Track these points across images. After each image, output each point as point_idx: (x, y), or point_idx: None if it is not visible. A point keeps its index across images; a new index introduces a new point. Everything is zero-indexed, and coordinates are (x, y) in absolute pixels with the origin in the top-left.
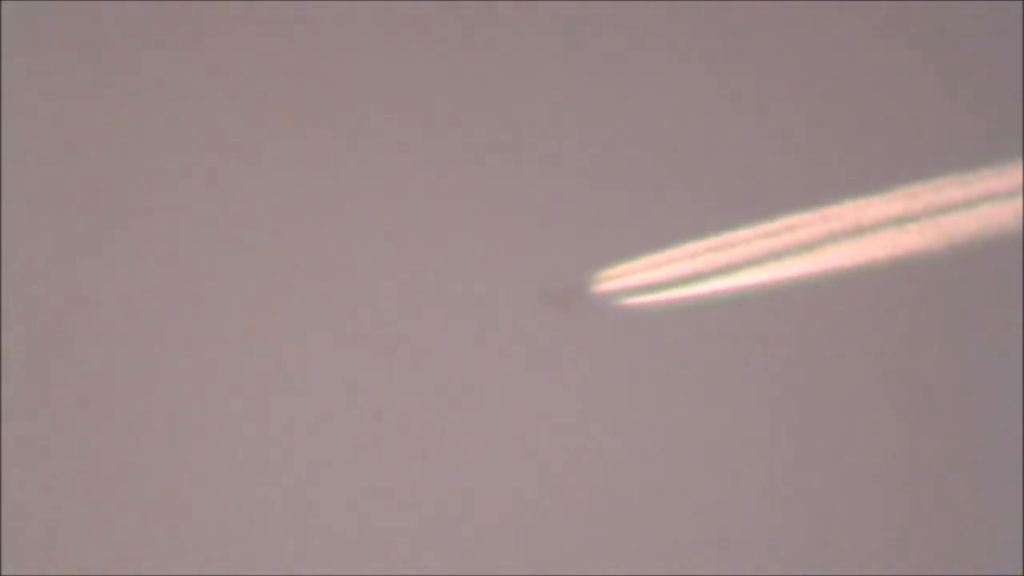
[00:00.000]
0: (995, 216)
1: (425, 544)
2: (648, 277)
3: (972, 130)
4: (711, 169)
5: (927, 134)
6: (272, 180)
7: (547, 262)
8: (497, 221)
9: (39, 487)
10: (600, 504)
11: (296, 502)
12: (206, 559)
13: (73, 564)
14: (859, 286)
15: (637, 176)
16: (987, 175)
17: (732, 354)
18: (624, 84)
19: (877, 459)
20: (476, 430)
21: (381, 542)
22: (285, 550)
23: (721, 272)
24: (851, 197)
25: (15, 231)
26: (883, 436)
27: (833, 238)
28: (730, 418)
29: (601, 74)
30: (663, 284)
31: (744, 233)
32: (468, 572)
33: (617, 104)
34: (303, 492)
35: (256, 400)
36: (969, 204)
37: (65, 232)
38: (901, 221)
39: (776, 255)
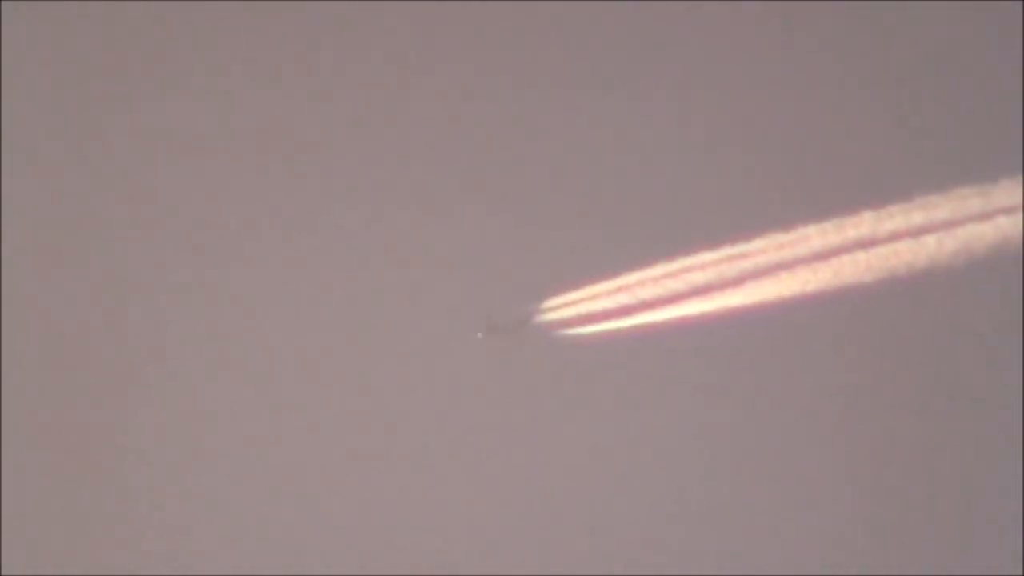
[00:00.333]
0: (1006, 228)
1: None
2: (590, 307)
3: (974, 145)
4: (672, 195)
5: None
6: (274, 180)
7: (492, 293)
8: (443, 252)
9: (39, 487)
10: (540, 527)
11: (276, 507)
12: (206, 559)
13: (73, 564)
14: (817, 311)
15: (587, 208)
16: (994, 189)
17: (679, 381)
18: (567, 121)
19: (874, 460)
20: (417, 455)
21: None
22: (284, 550)
23: (671, 300)
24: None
25: (15, 231)
26: (878, 439)
27: (781, 266)
28: (671, 444)
29: (546, 111)
30: (605, 314)
31: (692, 261)
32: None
33: (562, 141)
34: (280, 498)
35: (246, 406)
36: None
37: (66, 232)
38: (850, 249)
39: (722, 283)
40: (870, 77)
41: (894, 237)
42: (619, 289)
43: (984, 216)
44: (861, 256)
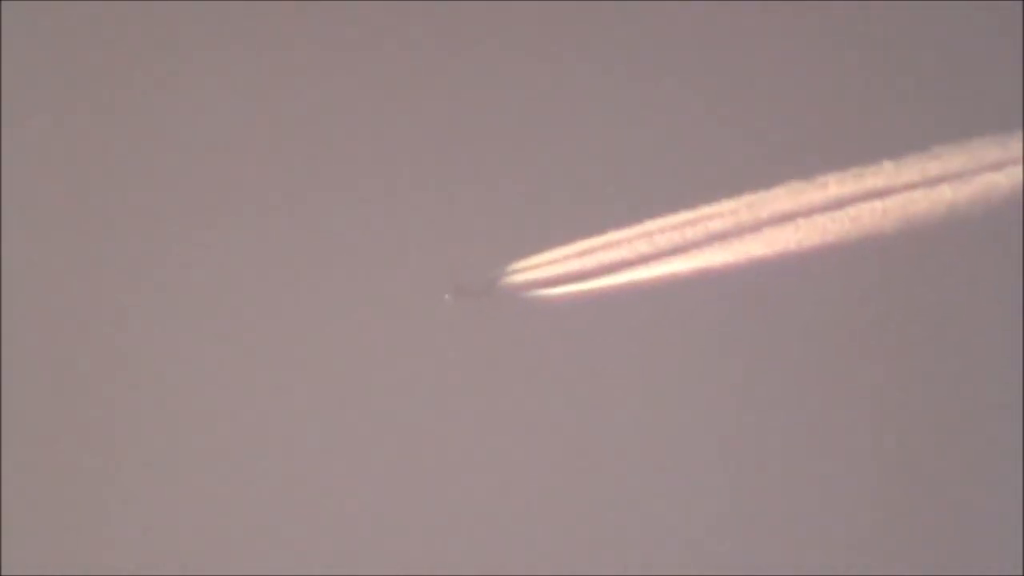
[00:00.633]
0: (995, 186)
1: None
2: (557, 270)
3: (972, 104)
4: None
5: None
6: (273, 180)
7: (460, 256)
8: (410, 217)
9: (39, 487)
10: (507, 500)
11: (272, 506)
12: (205, 559)
13: (73, 564)
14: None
15: (552, 171)
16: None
17: (645, 345)
18: (540, 85)
19: (886, 414)
20: (389, 421)
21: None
22: (282, 551)
23: (625, 266)
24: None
25: (15, 231)
26: (892, 392)
27: (742, 229)
28: (633, 410)
29: (520, 77)
30: (571, 277)
31: (666, 222)
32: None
33: (535, 102)
34: (272, 498)
35: (244, 407)
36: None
37: (65, 232)
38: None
39: (687, 246)
40: (886, 28)
41: (911, 186)
42: (581, 253)
43: (1000, 165)
44: (879, 204)
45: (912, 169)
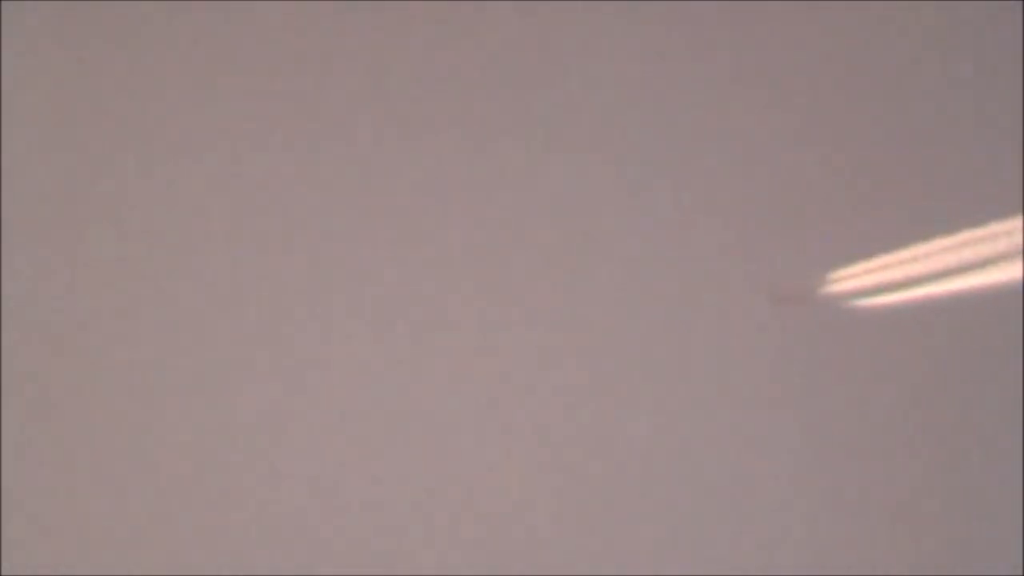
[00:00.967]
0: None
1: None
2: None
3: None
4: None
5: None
6: (272, 179)
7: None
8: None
9: (39, 487)
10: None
11: (289, 503)
12: (204, 559)
13: (73, 564)
14: None
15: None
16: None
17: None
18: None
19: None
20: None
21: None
22: (281, 551)
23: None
24: None
25: (15, 230)
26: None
27: None
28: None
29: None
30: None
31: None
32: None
33: (854, 102)
34: (296, 493)
35: (254, 401)
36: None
37: (66, 233)
38: None
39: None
40: None
41: None
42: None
43: None
44: None
45: None
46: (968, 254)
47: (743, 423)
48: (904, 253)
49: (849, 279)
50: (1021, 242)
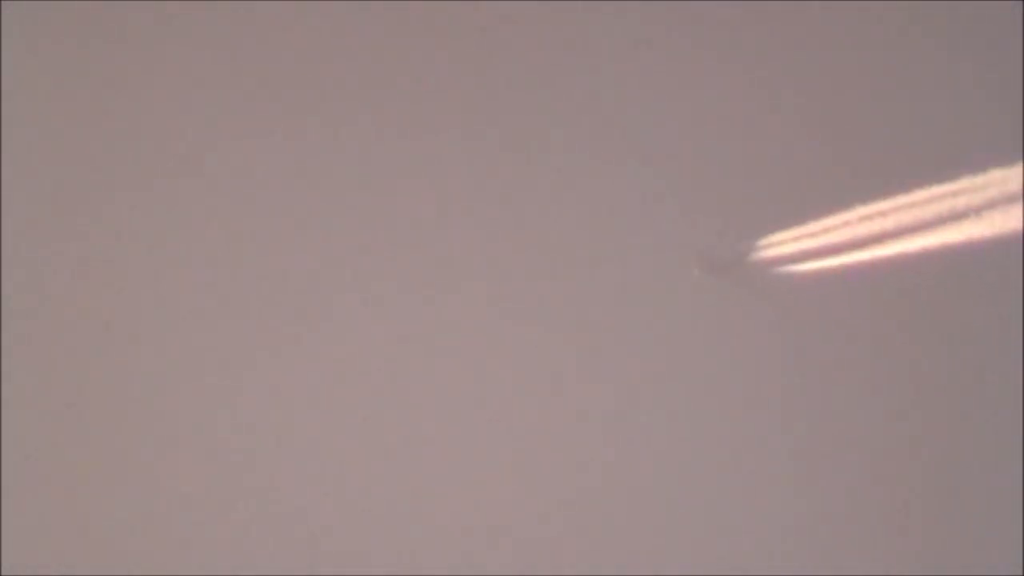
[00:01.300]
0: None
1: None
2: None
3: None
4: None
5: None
6: (272, 179)
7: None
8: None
9: (39, 487)
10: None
11: (289, 505)
12: (205, 559)
13: (73, 564)
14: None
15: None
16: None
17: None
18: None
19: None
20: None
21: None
22: (282, 551)
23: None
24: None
25: (15, 230)
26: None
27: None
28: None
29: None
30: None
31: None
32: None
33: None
34: (296, 494)
35: (251, 402)
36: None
37: (66, 233)
38: None
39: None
40: None
41: None
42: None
43: None
44: None
45: None
46: (905, 218)
47: (727, 414)
48: (836, 218)
49: (779, 245)
50: (945, 209)
